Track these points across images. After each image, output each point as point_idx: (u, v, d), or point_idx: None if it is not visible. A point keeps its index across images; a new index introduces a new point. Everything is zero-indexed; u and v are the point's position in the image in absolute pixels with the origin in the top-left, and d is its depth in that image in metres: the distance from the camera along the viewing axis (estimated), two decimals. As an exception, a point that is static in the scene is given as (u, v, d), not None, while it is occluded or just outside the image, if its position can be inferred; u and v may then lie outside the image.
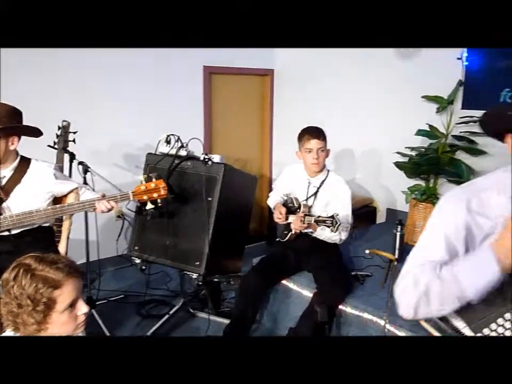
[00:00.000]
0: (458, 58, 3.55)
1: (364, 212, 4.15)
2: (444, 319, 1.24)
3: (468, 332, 1.21)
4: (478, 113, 3.40)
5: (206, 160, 2.75)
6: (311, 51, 4.52)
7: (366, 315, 2.54)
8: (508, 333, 1.16)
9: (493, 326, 1.18)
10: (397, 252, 2.91)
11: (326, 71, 4.53)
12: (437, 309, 1.21)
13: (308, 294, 2.77)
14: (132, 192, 2.27)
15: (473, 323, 1.20)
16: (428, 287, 1.18)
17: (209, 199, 2.78)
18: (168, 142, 2.91)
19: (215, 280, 2.99)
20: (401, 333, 2.35)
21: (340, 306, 2.63)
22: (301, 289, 2.85)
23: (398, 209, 4.11)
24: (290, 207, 2.87)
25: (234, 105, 4.92)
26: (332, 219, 2.50)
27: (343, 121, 4.41)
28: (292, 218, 2.79)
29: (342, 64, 4.35)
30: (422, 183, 3.62)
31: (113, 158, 4.00)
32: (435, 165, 3.41)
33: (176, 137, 2.89)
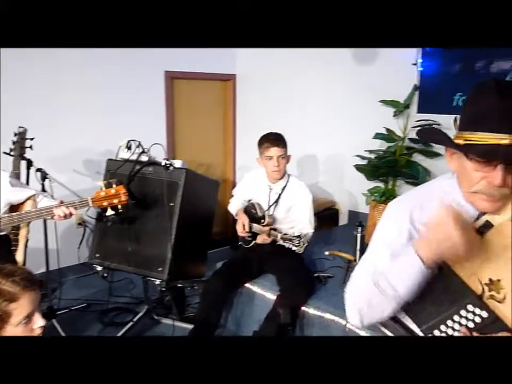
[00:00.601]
0: (414, 64, 3.67)
1: (326, 214, 4.22)
2: (398, 321, 1.29)
3: (420, 333, 1.25)
4: (433, 116, 3.57)
5: (167, 165, 2.75)
6: (271, 55, 4.58)
7: (328, 315, 2.59)
8: (456, 334, 1.21)
9: (443, 327, 1.23)
10: (357, 252, 2.98)
11: (286, 76, 4.59)
12: (379, 316, 1.27)
13: (271, 296, 2.79)
14: (91, 199, 2.25)
15: (424, 324, 1.25)
16: (370, 301, 1.25)
17: (171, 204, 2.77)
18: (128, 147, 2.89)
19: (179, 285, 2.98)
20: (361, 332, 2.40)
21: (303, 308, 2.67)
22: (264, 292, 2.87)
23: (359, 211, 4.20)
24: (254, 214, 2.90)
25: (197, 110, 4.91)
26: (298, 239, 2.57)
27: (305, 125, 4.49)
28: (256, 227, 2.84)
29: (303, 69, 4.42)
30: (381, 185, 3.72)
31: (73, 164, 3.92)
32: (393, 167, 3.51)
33: (137, 143, 2.87)
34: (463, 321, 1.20)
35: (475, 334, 1.18)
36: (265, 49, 4.59)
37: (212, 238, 3.34)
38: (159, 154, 2.91)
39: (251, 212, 2.94)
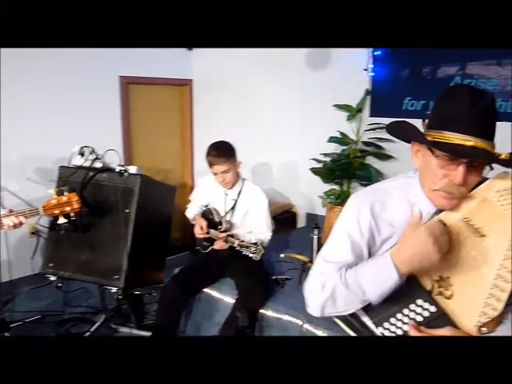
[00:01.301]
0: (365, 69, 3.78)
1: (284, 217, 4.28)
2: (352, 313, 1.31)
3: (371, 325, 1.30)
4: (385, 120, 3.67)
5: (122, 171, 2.72)
6: (227, 60, 4.61)
7: (286, 317, 2.62)
8: (405, 327, 1.25)
9: (393, 320, 1.27)
10: (314, 254, 3.02)
11: (242, 81, 4.63)
12: (342, 309, 1.29)
13: (230, 300, 2.80)
14: (42, 207, 2.19)
15: (376, 317, 1.28)
16: (334, 291, 1.26)
17: (127, 211, 2.74)
18: (81, 154, 2.84)
19: (136, 293, 2.94)
20: (319, 332, 2.44)
21: (261, 310, 2.69)
22: (223, 297, 2.88)
23: (317, 213, 4.27)
24: (211, 219, 2.91)
25: (153, 115, 4.88)
26: (255, 246, 2.60)
27: (262, 130, 4.54)
28: (213, 232, 2.85)
29: (258, 74, 4.47)
30: (337, 187, 3.80)
31: (24, 172, 3.81)
32: (347, 170, 3.60)
33: (91, 149, 2.83)
34: (412, 315, 1.25)
35: (422, 328, 1.23)
36: (221, 54, 4.62)
37: (170, 244, 3.32)
38: (114, 161, 2.87)
39: (208, 217, 2.95)
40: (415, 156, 1.27)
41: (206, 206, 3.03)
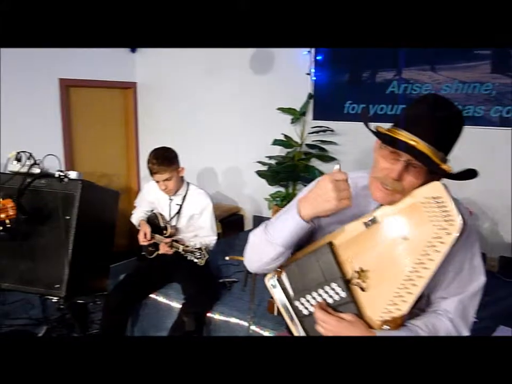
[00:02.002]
0: (307, 74, 3.86)
1: (231, 220, 4.30)
2: (281, 282, 1.42)
3: (291, 293, 1.40)
4: (327, 123, 3.78)
5: (61, 177, 2.63)
6: (172, 63, 4.58)
7: (233, 319, 2.63)
8: (311, 309, 1.35)
9: (308, 297, 1.36)
10: (261, 255, 3.05)
11: (187, 84, 4.61)
12: (260, 258, 1.38)
13: (177, 305, 2.78)
14: (-25, 215, 2.10)
15: (297, 291, 1.39)
16: (254, 240, 1.40)
17: (67, 217, 2.66)
18: (18, 159, 2.73)
19: (80, 301, 2.86)
20: (265, 333, 2.47)
21: (208, 314, 2.69)
22: (169, 302, 2.85)
23: (263, 215, 4.32)
24: (156, 224, 2.88)
25: (97, 119, 4.76)
26: (200, 251, 2.60)
27: (209, 133, 4.54)
28: (158, 238, 2.83)
29: (203, 78, 4.47)
30: (282, 189, 3.86)
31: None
32: (292, 172, 3.66)
33: (28, 154, 2.72)
34: (325, 296, 1.33)
35: (328, 308, 1.31)
36: (166, 57, 4.59)
37: (116, 250, 3.25)
38: (55, 166, 2.78)
39: (154, 222, 2.92)
40: (375, 148, 1.34)
41: (151, 211, 3.00)
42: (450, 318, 1.31)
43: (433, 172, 1.23)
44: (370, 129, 1.29)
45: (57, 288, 2.65)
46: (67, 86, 4.34)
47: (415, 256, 1.22)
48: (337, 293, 1.31)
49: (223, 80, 4.36)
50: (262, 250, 1.36)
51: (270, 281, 1.44)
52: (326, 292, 1.32)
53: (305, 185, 3.73)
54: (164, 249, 2.73)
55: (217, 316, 2.68)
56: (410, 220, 1.24)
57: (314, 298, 1.35)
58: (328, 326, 1.28)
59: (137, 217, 3.02)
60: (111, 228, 3.02)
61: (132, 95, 4.95)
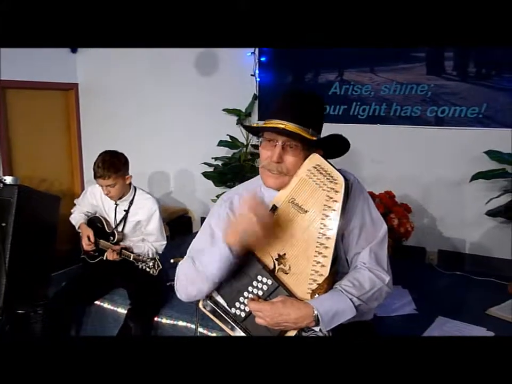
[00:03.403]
0: (252, 75, 3.89)
1: (179, 222, 4.26)
2: (213, 299, 1.47)
3: (226, 306, 1.45)
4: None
5: (-4, 182, 2.53)
6: (114, 63, 4.48)
7: (181, 323, 2.61)
8: (247, 309, 1.41)
9: (241, 298, 1.42)
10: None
11: (131, 85, 4.52)
12: (197, 291, 1.44)
13: (123, 311, 2.72)
14: None
15: (229, 299, 1.44)
16: (187, 277, 1.45)
17: (3, 224, 2.54)
18: None
19: (19, 312, 2.74)
20: (213, 334, 2.47)
21: (156, 318, 2.65)
22: (115, 308, 2.79)
23: (212, 216, 4.30)
24: (100, 229, 2.82)
25: (36, 122, 4.57)
26: (153, 261, 2.60)
27: (155, 135, 4.47)
28: (104, 243, 2.78)
29: (147, 79, 4.40)
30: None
31: None
32: (238, 173, 3.67)
33: (-41, 160, 2.59)
34: (255, 291, 1.39)
35: (260, 300, 1.38)
36: (108, 56, 4.48)
37: (59, 257, 3.15)
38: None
39: (97, 226, 2.85)
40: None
41: (94, 213, 2.92)
42: (368, 267, 1.45)
43: (309, 149, 1.41)
44: (244, 126, 1.66)
45: (-7, 299, 2.53)
46: (3, 87, 4.15)
47: (317, 222, 1.34)
48: (264, 283, 1.38)
49: (168, 81, 4.31)
50: (200, 282, 1.42)
51: (202, 303, 1.50)
52: (255, 287, 1.39)
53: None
54: (112, 256, 2.66)
55: (164, 320, 2.65)
56: (303, 194, 1.38)
57: (246, 298, 1.41)
58: (265, 312, 1.35)
59: (77, 218, 2.93)
60: (51, 234, 2.91)
61: (73, 96, 4.80)
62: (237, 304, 1.41)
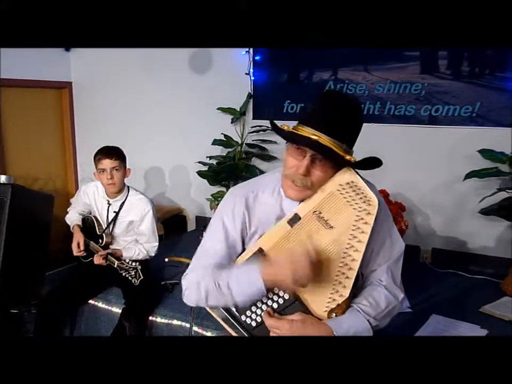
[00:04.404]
0: (246, 74, 3.88)
1: (174, 221, 4.26)
2: (227, 310, 1.41)
3: (235, 312, 1.40)
4: (267, 122, 3.81)
5: (-11, 181, 2.51)
6: (109, 61, 4.46)
7: (175, 322, 2.61)
8: (263, 314, 1.36)
9: (253, 308, 1.37)
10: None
11: (126, 83, 4.51)
12: (214, 306, 1.39)
13: (117, 310, 2.72)
14: None
15: (239, 308, 1.38)
16: (207, 293, 1.33)
17: (-3, 223, 2.54)
18: None
19: (13, 311, 2.73)
20: (208, 334, 2.47)
21: (150, 318, 2.65)
22: (109, 307, 2.78)
23: (206, 216, 4.30)
24: (92, 230, 2.82)
25: (30, 121, 4.55)
26: (135, 271, 2.58)
27: (150, 135, 4.46)
28: (93, 246, 2.78)
29: (142, 78, 4.38)
30: (224, 189, 3.86)
31: None
32: (233, 172, 3.67)
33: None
34: (270, 303, 1.34)
35: (275, 314, 1.33)
36: (102, 55, 4.47)
37: (53, 256, 3.13)
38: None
39: (90, 226, 2.84)
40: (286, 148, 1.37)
41: (88, 212, 2.91)
42: (384, 285, 1.41)
43: (339, 164, 1.28)
44: (275, 129, 1.33)
45: (-13, 298, 2.52)
46: (-4, 86, 4.12)
47: (343, 242, 1.27)
48: (281, 296, 1.32)
49: (162, 80, 4.30)
50: (219, 303, 1.36)
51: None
52: (270, 298, 1.34)
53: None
54: (97, 260, 2.66)
55: (159, 319, 2.65)
56: (331, 209, 1.28)
57: (259, 308, 1.36)
58: (283, 330, 1.30)
59: (71, 218, 2.92)
60: (45, 233, 2.90)
61: (67, 95, 4.78)
62: (248, 313, 1.37)
